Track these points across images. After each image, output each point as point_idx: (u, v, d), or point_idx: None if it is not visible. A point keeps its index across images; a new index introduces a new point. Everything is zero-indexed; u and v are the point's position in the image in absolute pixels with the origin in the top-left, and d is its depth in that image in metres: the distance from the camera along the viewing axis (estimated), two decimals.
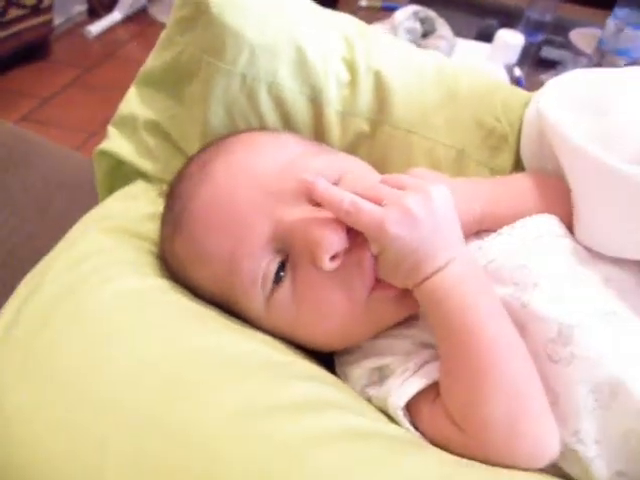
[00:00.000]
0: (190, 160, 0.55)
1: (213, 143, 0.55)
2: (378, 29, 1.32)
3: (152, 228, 0.59)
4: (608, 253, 0.50)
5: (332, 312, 0.46)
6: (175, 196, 0.52)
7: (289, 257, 0.47)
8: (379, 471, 0.36)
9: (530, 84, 1.36)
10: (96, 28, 2.60)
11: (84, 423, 0.38)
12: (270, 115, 0.61)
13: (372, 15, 1.52)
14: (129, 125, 0.67)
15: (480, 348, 0.41)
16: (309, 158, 0.49)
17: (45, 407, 0.40)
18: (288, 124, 0.61)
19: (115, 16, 2.72)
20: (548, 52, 1.50)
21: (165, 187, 0.64)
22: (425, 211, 0.43)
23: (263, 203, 0.46)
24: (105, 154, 0.68)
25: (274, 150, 0.50)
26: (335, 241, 0.43)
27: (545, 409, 0.42)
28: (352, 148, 0.63)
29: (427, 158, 0.62)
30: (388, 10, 1.55)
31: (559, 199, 0.53)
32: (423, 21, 1.37)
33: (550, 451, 0.41)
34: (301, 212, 0.46)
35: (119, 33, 2.70)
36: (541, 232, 0.50)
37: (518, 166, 0.64)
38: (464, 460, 0.39)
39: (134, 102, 0.67)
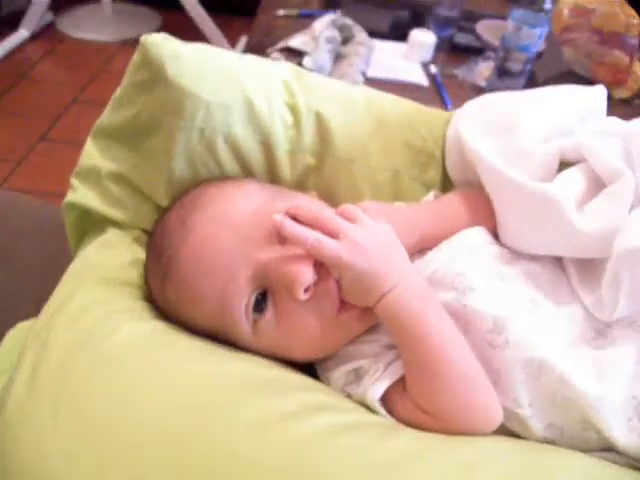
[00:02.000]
0: (167, 215, 0.62)
1: (185, 197, 0.62)
2: (300, 40, 1.40)
3: (135, 274, 0.66)
4: (525, 251, 0.62)
5: (309, 332, 0.55)
6: (160, 249, 0.59)
7: (268, 290, 0.55)
8: (372, 451, 0.46)
9: (445, 79, 1.48)
10: (1, 49, 2.45)
11: (127, 461, 0.45)
12: (228, 161, 0.68)
13: (290, 24, 1.58)
14: (92, 176, 0.72)
15: (432, 349, 0.52)
16: (274, 202, 0.58)
17: (87, 452, 0.46)
18: (244, 167, 0.69)
19: (21, 34, 2.58)
20: (461, 39, 1.62)
21: (138, 233, 0.72)
22: (370, 243, 0.53)
23: (241, 248, 0.55)
24: (73, 205, 0.74)
25: (242, 200, 0.59)
26: (307, 276, 0.53)
27: (488, 386, 0.53)
28: (302, 180, 0.72)
29: (368, 182, 0.72)
30: (305, 17, 1.61)
31: (485, 211, 0.65)
32: (341, 29, 1.45)
33: (498, 417, 0.53)
34: (274, 252, 0.55)
35: (28, 52, 2.57)
36: (472, 243, 0.61)
37: (446, 178, 0.75)
38: (438, 435, 0.50)
39: (94, 154, 0.72)
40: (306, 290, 0.53)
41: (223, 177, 0.68)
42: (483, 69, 1.51)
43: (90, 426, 0.47)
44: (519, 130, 0.65)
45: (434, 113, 0.77)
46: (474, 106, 0.73)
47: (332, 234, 0.53)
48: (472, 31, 1.66)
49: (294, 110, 0.70)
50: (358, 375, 0.57)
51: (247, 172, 0.70)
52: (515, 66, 1.38)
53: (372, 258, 0.52)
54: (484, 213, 0.65)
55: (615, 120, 0.70)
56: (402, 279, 0.53)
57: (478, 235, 0.62)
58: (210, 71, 0.66)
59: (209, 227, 0.56)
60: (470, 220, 0.64)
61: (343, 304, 0.55)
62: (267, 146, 0.69)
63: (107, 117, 0.72)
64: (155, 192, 0.70)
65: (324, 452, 0.45)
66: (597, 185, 0.61)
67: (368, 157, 0.72)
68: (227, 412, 0.48)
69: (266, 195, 0.60)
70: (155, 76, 0.65)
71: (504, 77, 1.40)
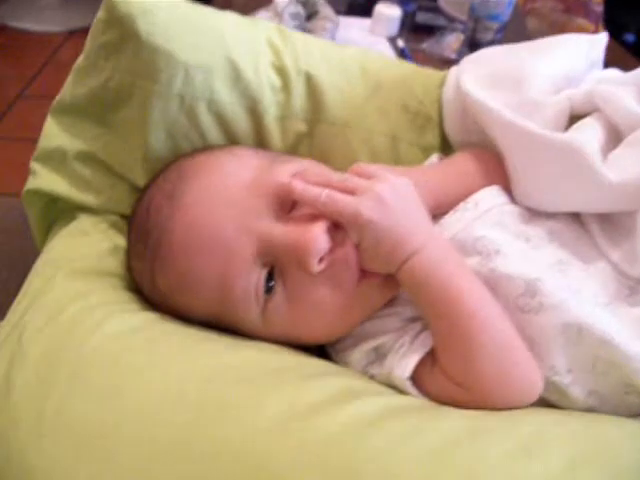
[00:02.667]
0: (149, 191, 0.55)
1: (169, 170, 0.55)
2: (263, 17, 1.33)
3: (116, 263, 0.59)
4: (543, 209, 0.57)
5: (327, 309, 0.49)
6: (146, 231, 0.52)
7: (276, 267, 0.49)
8: (423, 436, 0.40)
9: (413, 53, 1.44)
10: None
11: (137, 468, 0.39)
12: (212, 131, 0.61)
13: (252, 1, 1.51)
14: (57, 159, 0.64)
15: (464, 316, 0.46)
16: (273, 168, 0.51)
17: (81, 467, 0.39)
18: (230, 137, 0.63)
19: None
20: (422, 18, 1.58)
21: (114, 218, 0.64)
22: (393, 198, 0.48)
23: (242, 221, 0.48)
24: (36, 193, 0.65)
25: (237, 168, 0.52)
26: (321, 242, 0.46)
27: (526, 353, 0.48)
28: (293, 148, 0.65)
29: (366, 148, 0.66)
30: None
31: (497, 170, 0.60)
32: (304, 4, 1.39)
33: (537, 387, 0.48)
34: (280, 223, 0.48)
35: None
36: (489, 204, 0.56)
37: (445, 142, 0.70)
38: (488, 412, 0.45)
39: (57, 134, 0.64)
40: (320, 260, 0.47)
41: (209, 146, 0.60)
42: (451, 41, 1.48)
43: (83, 443, 0.40)
44: (527, 82, 0.61)
45: (428, 73, 0.72)
46: (472, 62, 0.68)
47: (347, 192, 0.48)
48: (434, 9, 1.63)
49: (282, 72, 0.63)
50: (380, 353, 0.52)
51: (233, 142, 0.63)
52: (486, 36, 1.35)
53: (395, 214, 0.47)
54: (496, 172, 0.60)
55: (615, 71, 0.67)
56: (428, 239, 0.48)
57: (495, 195, 0.57)
58: (188, 28, 0.58)
59: (202, 200, 0.49)
60: (483, 180, 0.59)
61: (362, 273, 0.49)
62: (255, 113, 0.62)
63: (70, 90, 0.64)
64: (131, 171, 0.62)
65: (370, 443, 0.39)
66: (615, 135, 0.57)
67: (364, 121, 0.66)
68: (247, 409, 0.41)
69: (263, 161, 0.53)
70: (124, 35, 0.57)
71: (475, 48, 1.36)
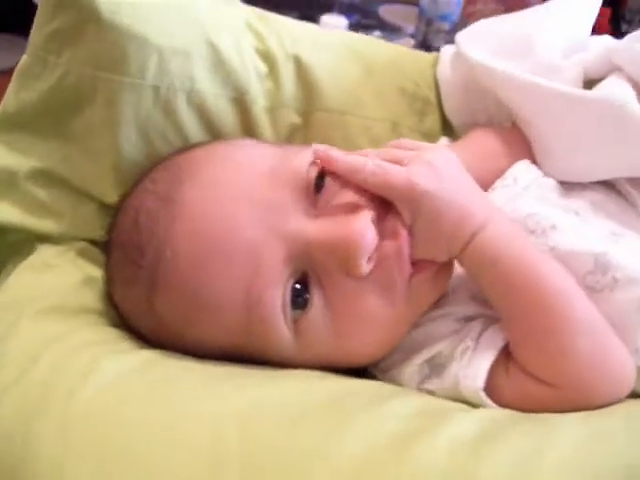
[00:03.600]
0: (132, 200, 0.44)
1: (155, 172, 0.45)
2: None
3: (92, 297, 0.48)
4: (581, 179, 0.51)
5: (378, 318, 0.40)
6: (136, 247, 0.41)
7: (310, 274, 0.40)
8: (539, 459, 0.31)
9: None
10: None
11: None
12: (192, 127, 0.52)
13: None
14: (3, 183, 0.53)
15: (549, 298, 0.39)
16: (288, 156, 0.42)
17: None
18: (214, 134, 0.53)
19: None
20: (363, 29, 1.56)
21: (81, 244, 0.53)
22: (447, 166, 0.41)
23: (265, 220, 0.39)
24: None
25: (246, 157, 0.43)
26: (369, 238, 0.38)
27: (616, 337, 0.41)
28: (287, 142, 0.57)
29: (366, 136, 0.59)
30: None
31: (520, 144, 0.54)
32: None
33: (632, 376, 0.40)
34: (312, 219, 0.39)
35: None
36: (528, 178, 0.50)
37: (446, 126, 0.64)
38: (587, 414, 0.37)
39: (1, 154, 0.53)
40: (368, 259, 0.38)
41: (201, 142, 0.51)
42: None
43: None
44: (538, 47, 0.55)
45: (419, 55, 0.67)
46: (469, 37, 0.62)
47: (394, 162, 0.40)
48: (373, 26, 1.61)
49: (267, 57, 0.55)
50: (436, 365, 0.43)
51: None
52: (437, 38, 1.32)
53: (454, 184, 0.40)
54: (519, 147, 0.54)
55: (609, 37, 0.63)
56: (492, 210, 0.40)
57: (529, 169, 0.51)
58: (159, 6, 0.49)
59: (211, 198, 0.40)
60: (510, 156, 0.53)
61: (413, 265, 0.41)
62: (241, 104, 0.53)
63: (12, 100, 0.53)
64: (97, 185, 0.52)
65: (492, 461, 0.30)
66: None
67: (362, 107, 0.59)
68: (321, 452, 0.31)
69: (274, 150, 0.45)
70: (81, 18, 0.47)
71: (428, 51, 1.34)
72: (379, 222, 0.40)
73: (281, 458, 0.31)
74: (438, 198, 0.39)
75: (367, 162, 0.39)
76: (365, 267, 0.38)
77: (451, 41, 1.39)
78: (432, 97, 0.63)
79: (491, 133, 0.56)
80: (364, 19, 1.60)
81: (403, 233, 0.39)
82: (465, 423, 0.34)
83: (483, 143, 0.55)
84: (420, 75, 0.63)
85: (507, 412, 0.37)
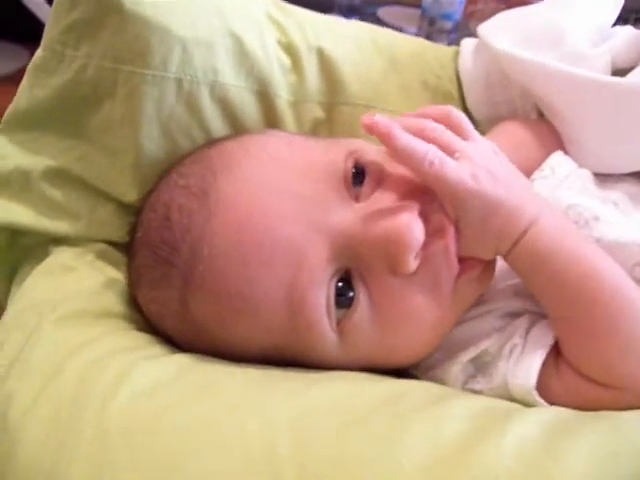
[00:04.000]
0: (161, 195, 0.42)
1: (185, 166, 0.43)
2: None
3: (116, 300, 0.45)
4: (617, 170, 0.50)
5: (424, 317, 0.38)
6: (169, 245, 0.39)
7: (353, 272, 0.38)
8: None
9: None
10: None
11: None
12: (215, 122, 0.50)
13: None
14: (17, 183, 0.50)
15: (605, 295, 0.37)
16: (324, 147, 0.41)
17: None
18: (236, 127, 0.51)
19: None
20: None
21: (100, 246, 0.51)
22: (496, 159, 0.40)
23: (306, 215, 0.37)
24: None
25: (282, 149, 0.41)
26: (416, 233, 0.36)
27: None
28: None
29: None
30: None
31: (550, 136, 0.53)
32: None
33: None
34: (357, 212, 0.38)
35: None
36: (566, 169, 0.49)
37: (469, 118, 0.63)
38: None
39: (14, 153, 0.51)
40: (415, 256, 0.36)
41: (229, 135, 0.48)
42: None
43: None
44: (567, 37, 0.54)
45: (440, 49, 0.65)
46: (492, 29, 0.60)
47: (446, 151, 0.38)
48: (375, 20, 1.60)
49: (290, 50, 0.53)
50: (481, 363, 0.41)
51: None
52: (440, 38, 1.31)
53: (504, 177, 0.38)
54: (550, 138, 0.53)
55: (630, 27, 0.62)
56: (542, 208, 0.38)
57: (565, 160, 0.50)
58: None
59: (249, 192, 0.37)
60: (541, 147, 0.52)
61: (460, 263, 0.39)
62: (265, 97, 0.51)
63: (25, 97, 0.51)
64: (116, 185, 0.50)
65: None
66: None
67: (386, 101, 0.57)
68: (382, 459, 0.29)
69: (308, 141, 0.43)
70: (103, 9, 0.45)
71: None
72: (427, 218, 0.38)
73: (338, 465, 0.29)
74: (490, 196, 0.37)
75: (429, 149, 0.37)
76: (412, 264, 0.36)
77: (453, 41, 1.38)
78: (454, 91, 0.62)
79: (520, 124, 0.55)
80: (363, 21, 1.59)
81: (450, 230, 0.37)
82: (529, 423, 0.32)
83: (512, 135, 0.54)
84: (441, 68, 0.62)
85: (570, 411, 0.35)
